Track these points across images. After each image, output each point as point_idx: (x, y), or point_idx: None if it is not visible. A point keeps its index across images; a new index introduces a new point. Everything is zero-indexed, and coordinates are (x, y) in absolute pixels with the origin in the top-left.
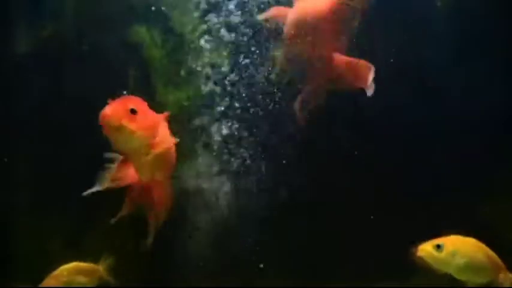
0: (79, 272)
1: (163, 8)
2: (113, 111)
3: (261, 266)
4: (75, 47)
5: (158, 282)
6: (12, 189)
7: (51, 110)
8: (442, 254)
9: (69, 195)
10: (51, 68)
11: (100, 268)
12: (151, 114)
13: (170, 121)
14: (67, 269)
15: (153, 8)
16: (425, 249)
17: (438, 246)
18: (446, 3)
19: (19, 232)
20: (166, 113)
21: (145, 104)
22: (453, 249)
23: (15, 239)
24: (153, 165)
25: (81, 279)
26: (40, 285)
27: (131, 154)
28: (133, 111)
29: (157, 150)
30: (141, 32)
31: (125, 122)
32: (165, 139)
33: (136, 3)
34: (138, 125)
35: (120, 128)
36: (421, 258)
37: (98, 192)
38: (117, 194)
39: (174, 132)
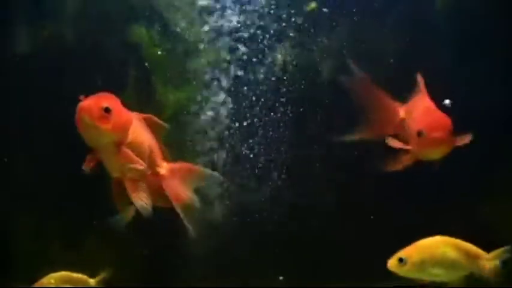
0: (67, 281)
1: (162, 8)
2: (87, 108)
3: (281, 278)
4: (75, 47)
5: (158, 283)
6: (12, 190)
7: (51, 110)
8: (408, 266)
9: (69, 196)
10: (51, 68)
11: (91, 281)
12: (125, 113)
13: (152, 122)
14: (55, 277)
15: (152, 8)
16: (392, 264)
17: (401, 260)
18: (446, 4)
19: (19, 232)
20: (146, 115)
21: (119, 102)
22: (420, 258)
23: (15, 239)
24: (122, 164)
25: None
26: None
27: (100, 150)
28: (107, 110)
29: (123, 155)
30: (141, 32)
31: (98, 120)
32: (137, 139)
33: (136, 3)
34: (110, 124)
35: (92, 126)
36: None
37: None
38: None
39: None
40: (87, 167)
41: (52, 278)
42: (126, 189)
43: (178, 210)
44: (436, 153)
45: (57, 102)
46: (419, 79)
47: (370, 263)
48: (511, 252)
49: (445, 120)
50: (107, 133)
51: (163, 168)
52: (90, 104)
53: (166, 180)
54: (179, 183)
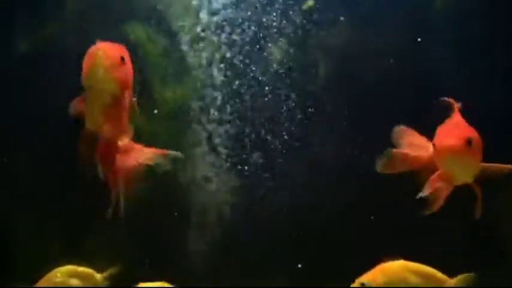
0: (73, 275)
1: (160, 6)
2: (106, 50)
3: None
4: (75, 47)
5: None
6: (12, 190)
7: (51, 109)
8: None
9: (69, 196)
10: (51, 68)
11: (97, 275)
12: (132, 70)
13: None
14: (61, 271)
15: (150, 6)
16: None
17: (363, 285)
18: (446, 4)
19: (19, 232)
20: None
21: (130, 59)
22: (385, 281)
23: (15, 239)
24: (104, 115)
25: (75, 282)
26: (35, 286)
27: (94, 97)
28: (123, 59)
29: (120, 107)
30: (138, 30)
31: (114, 66)
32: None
33: (134, 2)
34: (121, 74)
35: (107, 69)
36: None
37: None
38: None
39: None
40: (74, 111)
41: (58, 271)
42: (94, 145)
43: (120, 186)
44: (454, 165)
45: (57, 102)
46: (454, 106)
47: (371, 263)
48: (474, 279)
49: (462, 130)
50: (116, 81)
51: (124, 141)
52: (110, 48)
53: (120, 153)
54: (131, 160)
